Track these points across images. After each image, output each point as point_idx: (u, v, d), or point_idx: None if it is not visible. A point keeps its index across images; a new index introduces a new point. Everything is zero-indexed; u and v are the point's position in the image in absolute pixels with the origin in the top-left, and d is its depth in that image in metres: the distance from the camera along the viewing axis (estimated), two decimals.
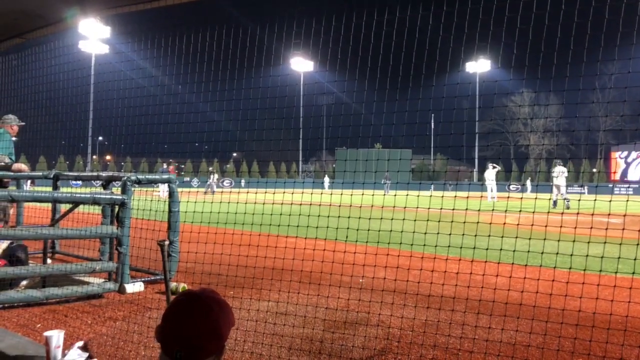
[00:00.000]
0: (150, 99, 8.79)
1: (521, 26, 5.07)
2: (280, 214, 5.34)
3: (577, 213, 3.77)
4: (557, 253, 4.79)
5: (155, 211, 6.43)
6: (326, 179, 51.40)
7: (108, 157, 62.09)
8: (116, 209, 5.75)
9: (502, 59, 6.16)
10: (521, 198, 5.82)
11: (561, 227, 4.14)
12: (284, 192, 5.91)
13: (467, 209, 4.75)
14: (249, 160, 65.03)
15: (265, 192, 6.39)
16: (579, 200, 4.71)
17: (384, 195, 24.76)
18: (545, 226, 4.17)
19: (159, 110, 8.36)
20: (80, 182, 22.89)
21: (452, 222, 4.58)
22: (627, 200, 3.92)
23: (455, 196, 6.34)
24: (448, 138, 6.16)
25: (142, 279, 5.94)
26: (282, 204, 5.76)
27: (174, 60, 7.82)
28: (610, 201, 3.87)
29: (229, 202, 6.58)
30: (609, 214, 3.93)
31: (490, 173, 26.63)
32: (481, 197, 23.77)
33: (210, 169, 35.37)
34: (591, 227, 3.94)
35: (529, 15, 4.99)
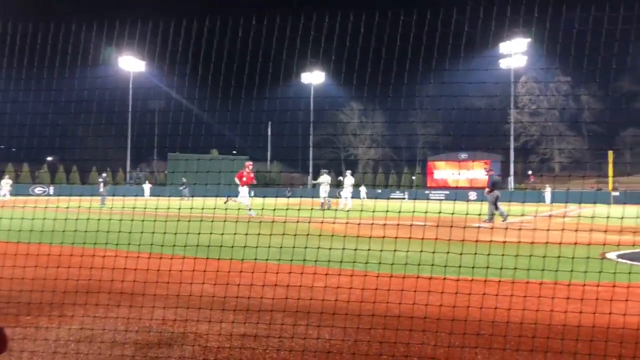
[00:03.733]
0: None
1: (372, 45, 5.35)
2: (81, 228, 4.87)
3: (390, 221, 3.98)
4: (380, 263, 5.06)
5: None
6: (146, 186, 47.99)
7: None
8: None
9: (344, 75, 6.42)
10: (362, 205, 6.06)
11: (377, 235, 4.36)
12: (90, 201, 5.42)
13: (286, 216, 4.81)
14: (67, 165, 59.23)
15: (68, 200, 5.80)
16: (374, 204, 5.04)
17: (187, 201, 24.64)
18: (358, 236, 4.36)
19: None
20: None
21: (285, 232, 4.58)
22: (412, 209, 4.32)
23: (300, 205, 6.40)
24: (284, 145, 6.25)
25: None
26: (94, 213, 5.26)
27: None
28: (400, 211, 4.18)
29: (33, 217, 5.84)
30: (427, 218, 4.25)
31: (349, 180, 27.55)
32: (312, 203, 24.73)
33: (104, 175, 30.54)
34: (410, 237, 4.20)
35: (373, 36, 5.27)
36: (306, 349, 3.96)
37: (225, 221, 5.31)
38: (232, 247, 4.85)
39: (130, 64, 56.29)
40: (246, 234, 4.95)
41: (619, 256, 8.71)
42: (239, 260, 5.65)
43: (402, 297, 4.54)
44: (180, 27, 5.57)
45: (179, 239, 5.46)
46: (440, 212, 5.28)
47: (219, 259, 4.99)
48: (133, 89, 45.93)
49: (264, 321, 4.61)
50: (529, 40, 52.23)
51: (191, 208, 5.53)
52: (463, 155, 61.54)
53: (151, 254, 5.63)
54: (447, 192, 54.73)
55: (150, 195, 43.03)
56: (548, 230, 5.51)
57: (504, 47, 54.93)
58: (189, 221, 5.40)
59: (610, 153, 33.89)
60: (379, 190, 52.01)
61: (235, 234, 5.01)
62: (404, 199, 49.05)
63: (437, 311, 4.32)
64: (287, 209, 5.23)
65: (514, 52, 54.45)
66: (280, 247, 4.81)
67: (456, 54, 5.57)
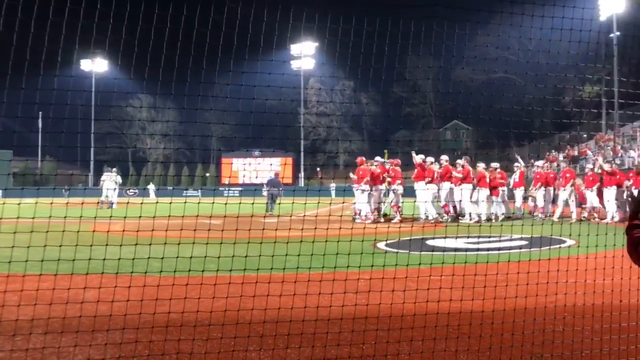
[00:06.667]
0: None
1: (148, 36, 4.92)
2: None
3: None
4: (162, 258, 4.63)
5: None
6: None
7: None
8: None
9: (124, 62, 5.85)
10: (142, 203, 5.52)
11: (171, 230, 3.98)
12: None
13: (66, 216, 4.22)
14: None
15: None
16: (171, 203, 4.68)
17: None
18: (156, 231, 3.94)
19: None
20: None
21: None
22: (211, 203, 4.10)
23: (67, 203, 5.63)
24: (59, 138, 5.37)
25: None
26: None
27: None
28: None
29: None
30: (211, 216, 4.03)
31: (117, 178, 25.47)
32: (98, 202, 22.43)
33: None
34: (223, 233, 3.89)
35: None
36: None
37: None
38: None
39: None
40: (13, 247, 4.15)
41: (387, 245, 9.64)
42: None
43: (171, 305, 4.20)
44: None
45: None
46: (225, 215, 5.05)
47: None
48: None
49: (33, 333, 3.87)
50: (316, 44, 55.54)
51: None
52: (257, 153, 62.94)
53: None
54: (241, 188, 55.31)
55: None
56: (327, 228, 5.76)
57: (295, 48, 57.38)
58: None
59: (386, 152, 37.87)
60: (170, 188, 50.33)
61: None
62: (197, 196, 48.24)
63: (208, 317, 4.12)
64: (65, 216, 4.47)
65: (304, 55, 57.34)
66: (41, 261, 4.13)
67: (254, 55, 5.53)
